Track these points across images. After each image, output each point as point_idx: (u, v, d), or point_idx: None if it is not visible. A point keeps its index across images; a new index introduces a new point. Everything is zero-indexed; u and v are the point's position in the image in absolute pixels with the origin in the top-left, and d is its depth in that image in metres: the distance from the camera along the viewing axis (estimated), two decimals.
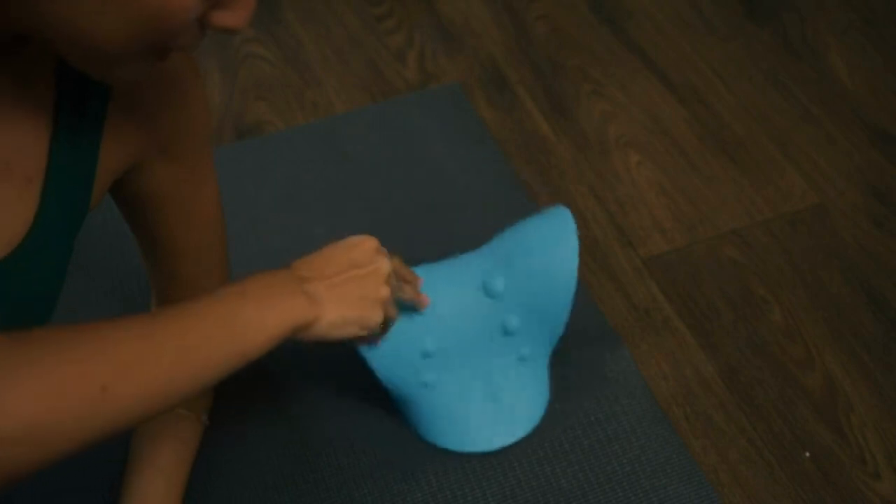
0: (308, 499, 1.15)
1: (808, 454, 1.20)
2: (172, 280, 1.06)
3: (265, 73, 1.66)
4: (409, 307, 1.09)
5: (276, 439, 1.20)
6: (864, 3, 1.74)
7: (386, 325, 1.02)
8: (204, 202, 1.01)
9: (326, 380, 1.25)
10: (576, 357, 1.25)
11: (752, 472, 1.18)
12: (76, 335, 0.68)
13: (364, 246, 0.97)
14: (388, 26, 1.74)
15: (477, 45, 1.70)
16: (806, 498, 1.16)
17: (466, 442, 1.17)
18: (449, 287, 1.13)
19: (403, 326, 1.08)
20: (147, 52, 0.70)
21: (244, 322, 0.81)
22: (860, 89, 1.60)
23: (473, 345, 1.15)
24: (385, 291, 0.96)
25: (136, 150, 0.90)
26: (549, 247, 1.12)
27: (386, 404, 1.21)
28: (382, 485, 1.15)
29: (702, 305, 1.34)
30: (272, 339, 0.83)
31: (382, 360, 1.09)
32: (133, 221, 1.01)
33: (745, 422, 1.23)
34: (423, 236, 1.35)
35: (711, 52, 1.67)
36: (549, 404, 1.20)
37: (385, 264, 0.97)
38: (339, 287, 0.92)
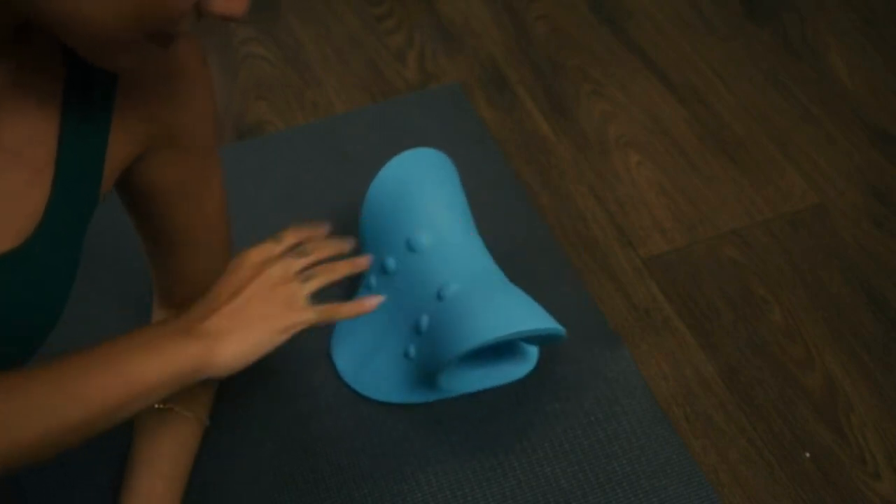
0: (308, 499, 1.15)
1: (808, 454, 1.20)
2: (176, 278, 1.06)
3: (265, 73, 1.66)
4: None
5: (276, 439, 1.20)
6: (864, 3, 1.74)
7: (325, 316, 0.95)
8: (210, 195, 1.00)
9: (327, 380, 1.25)
10: (576, 357, 1.25)
11: (752, 472, 1.18)
12: None
13: (244, 265, 0.92)
14: (388, 26, 1.74)
15: (477, 45, 1.70)
16: (806, 498, 1.16)
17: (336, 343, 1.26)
18: (429, 235, 1.19)
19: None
20: (147, 39, 0.70)
21: (133, 370, 0.82)
22: (860, 89, 1.60)
23: (402, 299, 1.20)
24: (288, 291, 0.91)
25: (144, 140, 0.90)
26: (514, 314, 1.10)
27: (386, 404, 1.22)
28: (382, 485, 1.15)
29: (702, 305, 1.34)
30: (162, 385, 0.84)
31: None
32: (138, 215, 1.00)
33: (745, 422, 1.23)
34: None
35: (711, 52, 1.67)
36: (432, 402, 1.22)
37: (276, 269, 0.92)
38: (240, 312, 0.89)
